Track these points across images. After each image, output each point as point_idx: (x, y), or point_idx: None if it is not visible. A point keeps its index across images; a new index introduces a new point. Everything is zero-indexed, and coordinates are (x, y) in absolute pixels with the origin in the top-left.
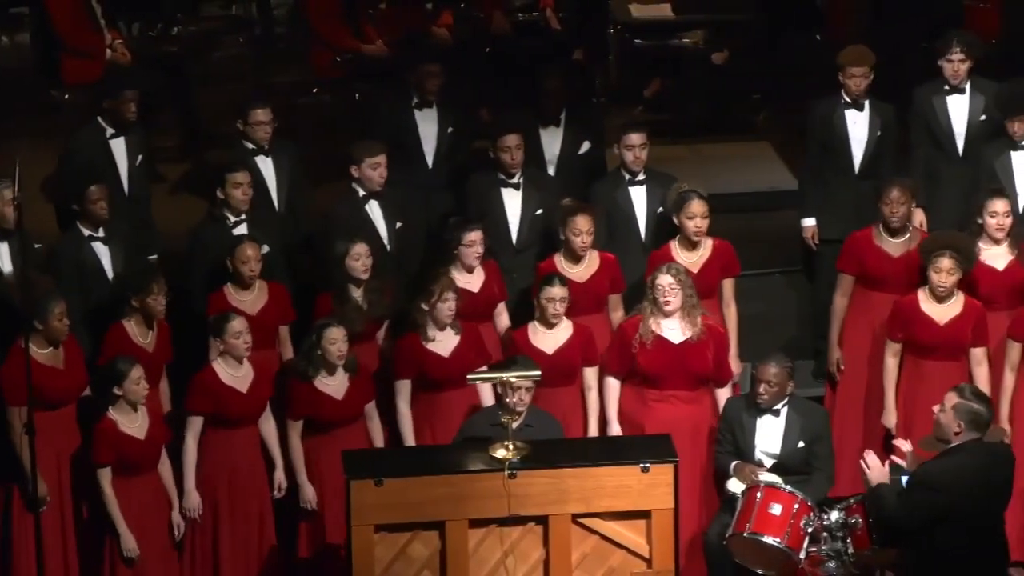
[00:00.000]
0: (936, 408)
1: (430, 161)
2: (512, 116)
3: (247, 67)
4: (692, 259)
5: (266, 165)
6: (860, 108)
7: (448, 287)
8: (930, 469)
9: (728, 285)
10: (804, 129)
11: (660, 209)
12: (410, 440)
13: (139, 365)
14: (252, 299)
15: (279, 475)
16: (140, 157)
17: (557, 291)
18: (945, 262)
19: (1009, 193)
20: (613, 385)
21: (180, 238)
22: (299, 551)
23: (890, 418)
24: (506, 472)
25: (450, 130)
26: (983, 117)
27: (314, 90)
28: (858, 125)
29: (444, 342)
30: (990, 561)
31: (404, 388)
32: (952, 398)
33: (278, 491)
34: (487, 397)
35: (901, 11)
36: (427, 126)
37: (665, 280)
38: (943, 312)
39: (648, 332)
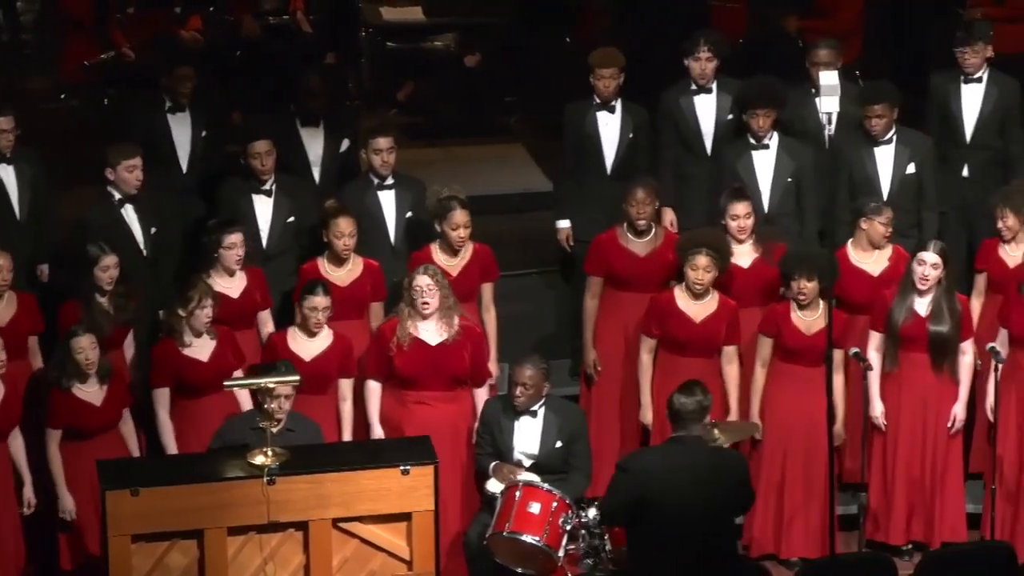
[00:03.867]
0: None
1: (184, 165)
2: (261, 122)
3: None
4: (452, 263)
5: (7, 173)
6: (612, 110)
7: (206, 294)
8: (633, 454)
9: (487, 289)
10: (559, 131)
11: (410, 213)
12: (172, 449)
13: None
14: (1, 310)
15: (27, 492)
16: None
17: (320, 300)
18: (702, 259)
19: (752, 193)
20: (374, 388)
21: None
22: (61, 563)
23: (647, 415)
24: (265, 478)
25: (204, 134)
26: (730, 116)
27: (62, 96)
28: (610, 127)
29: (202, 347)
30: (705, 566)
31: (163, 396)
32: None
33: (27, 508)
34: (246, 402)
35: (648, 12)
36: (180, 130)
37: (423, 281)
38: (699, 310)
39: (405, 334)
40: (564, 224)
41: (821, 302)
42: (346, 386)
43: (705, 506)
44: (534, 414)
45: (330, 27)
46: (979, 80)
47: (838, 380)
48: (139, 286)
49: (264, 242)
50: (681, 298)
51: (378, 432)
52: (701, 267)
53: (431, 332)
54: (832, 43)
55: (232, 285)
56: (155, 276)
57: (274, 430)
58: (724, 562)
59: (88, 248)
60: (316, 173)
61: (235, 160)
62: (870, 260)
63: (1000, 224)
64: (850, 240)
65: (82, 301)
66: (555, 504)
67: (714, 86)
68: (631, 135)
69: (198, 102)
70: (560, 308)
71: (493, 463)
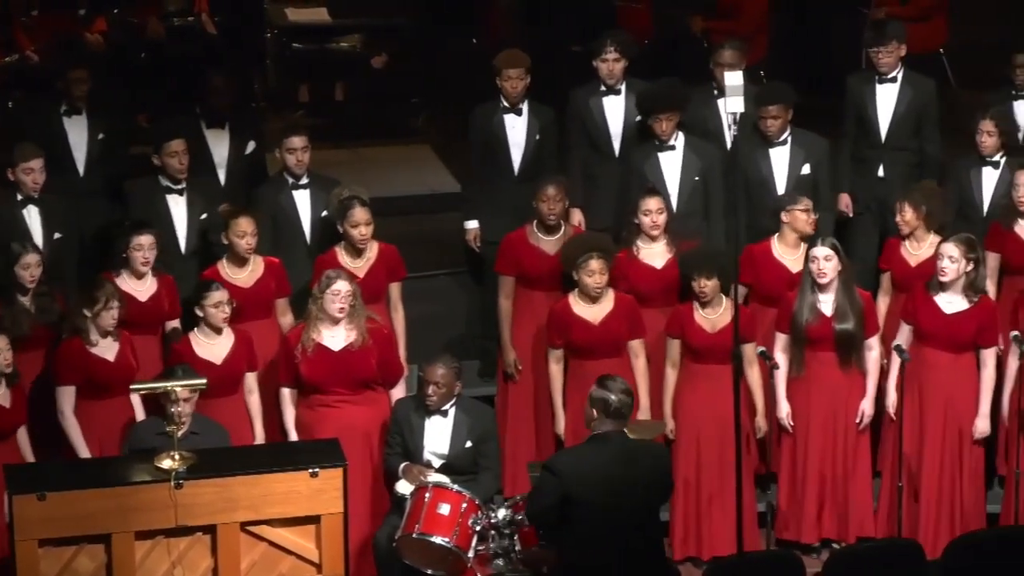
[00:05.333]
0: None
1: (81, 168)
2: (175, 121)
3: None
4: (358, 264)
5: None
6: (519, 112)
7: (112, 295)
8: (558, 455)
9: (395, 289)
10: (466, 132)
11: (325, 213)
12: (80, 444)
13: None
14: None
15: None
16: None
17: (221, 295)
18: (595, 263)
19: (662, 193)
20: (287, 395)
21: None
22: None
23: (560, 424)
24: (172, 482)
25: (101, 136)
26: (638, 118)
27: None
28: (516, 129)
29: (107, 347)
30: (633, 564)
31: (69, 394)
32: (591, 388)
33: None
34: (139, 409)
35: (554, 13)
36: (77, 133)
37: (343, 287)
38: (596, 312)
39: (309, 340)
40: (472, 225)
41: (724, 299)
42: (251, 379)
43: (633, 501)
44: (444, 414)
45: (235, 29)
46: (894, 80)
47: (753, 373)
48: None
49: (182, 243)
50: (577, 304)
51: (294, 439)
52: (596, 271)
53: (336, 337)
54: (737, 44)
55: (141, 288)
56: (51, 280)
57: (179, 434)
58: (653, 555)
59: (11, 245)
60: (221, 175)
61: (138, 161)
62: (792, 257)
63: (898, 218)
64: (775, 235)
65: (3, 299)
66: (465, 505)
67: (623, 87)
68: (537, 136)
69: (95, 105)
70: (470, 309)
71: (403, 464)
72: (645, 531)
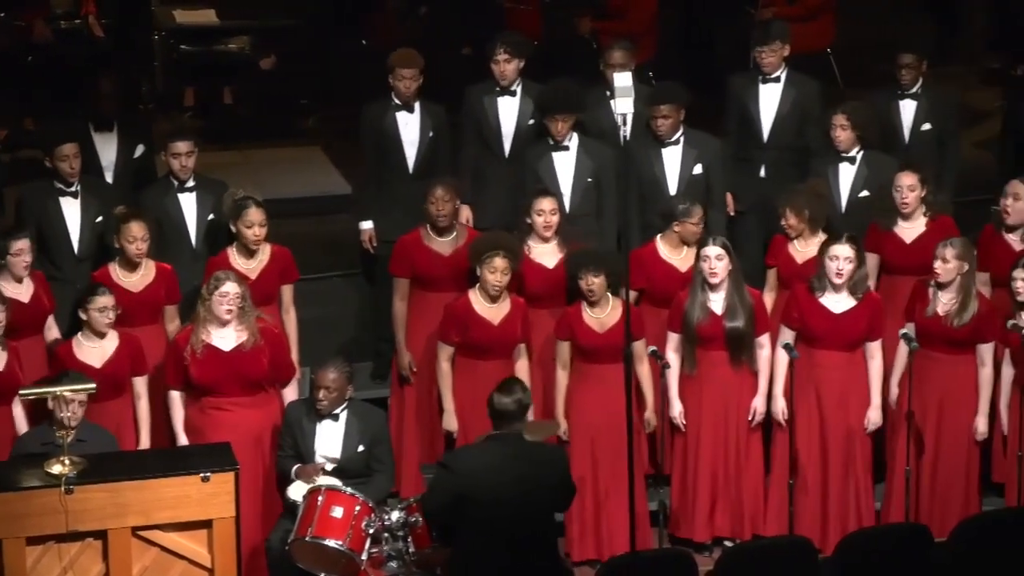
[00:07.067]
0: None
1: None
2: (66, 124)
3: None
4: (250, 266)
5: None
6: (411, 110)
7: None
8: (454, 452)
9: (287, 291)
10: (357, 133)
11: (211, 216)
12: None
13: None
14: None
15: None
16: None
17: (107, 299)
18: (499, 262)
19: (555, 193)
20: (175, 398)
21: None
22: None
23: (451, 422)
24: (62, 488)
25: None
26: (532, 121)
27: None
28: (409, 127)
29: None
30: (526, 565)
31: None
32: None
33: None
34: (21, 421)
35: (443, 13)
36: None
37: (232, 288)
38: (496, 312)
39: (199, 342)
40: (367, 225)
41: (611, 297)
42: (140, 384)
43: (527, 503)
44: (336, 418)
45: (123, 31)
46: (777, 80)
47: (643, 369)
48: None
49: (75, 245)
50: (477, 303)
51: (183, 442)
52: (499, 269)
53: (226, 338)
54: (626, 44)
55: (21, 291)
56: None
57: (67, 440)
58: (546, 558)
59: None
60: (109, 178)
61: (30, 165)
62: (679, 257)
63: (783, 223)
64: (660, 235)
65: None
66: (358, 508)
67: (519, 89)
68: (431, 134)
69: None
70: (363, 311)
71: (296, 466)
72: (541, 532)
